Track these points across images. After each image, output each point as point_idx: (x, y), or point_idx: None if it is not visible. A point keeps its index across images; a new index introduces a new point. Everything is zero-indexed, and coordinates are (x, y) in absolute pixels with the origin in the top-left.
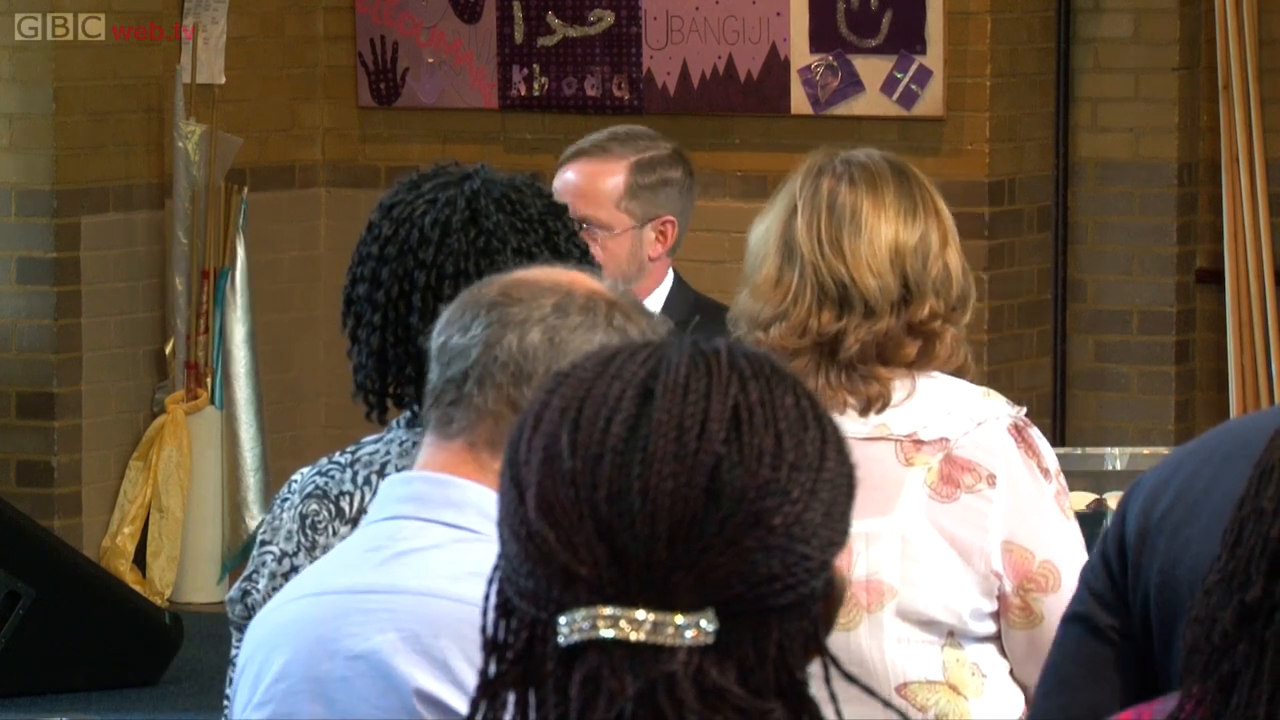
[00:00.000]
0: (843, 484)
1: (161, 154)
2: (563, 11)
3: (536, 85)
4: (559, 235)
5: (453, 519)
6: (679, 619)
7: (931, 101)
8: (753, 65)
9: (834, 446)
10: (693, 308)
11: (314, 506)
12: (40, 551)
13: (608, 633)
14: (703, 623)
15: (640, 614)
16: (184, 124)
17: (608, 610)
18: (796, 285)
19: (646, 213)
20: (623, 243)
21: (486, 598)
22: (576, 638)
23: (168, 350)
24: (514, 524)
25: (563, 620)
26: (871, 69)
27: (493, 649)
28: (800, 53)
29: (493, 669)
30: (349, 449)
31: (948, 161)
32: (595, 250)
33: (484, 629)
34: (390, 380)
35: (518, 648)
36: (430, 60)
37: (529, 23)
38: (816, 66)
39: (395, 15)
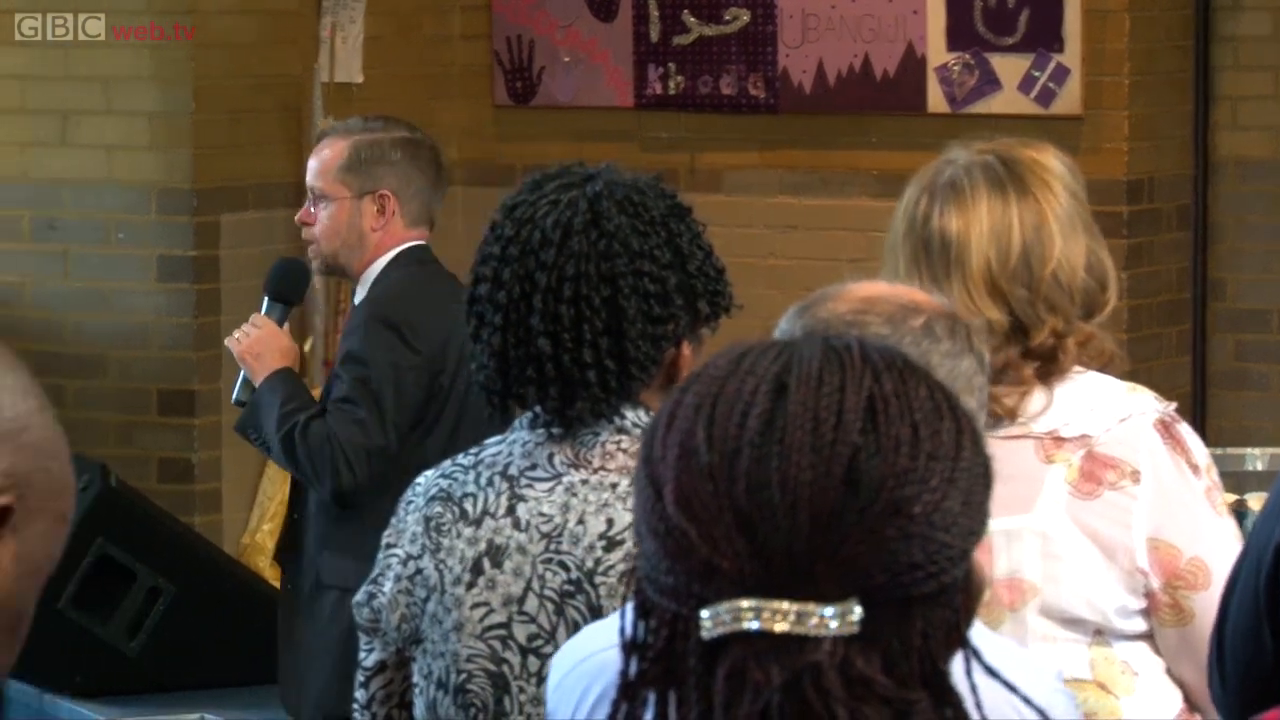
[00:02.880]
0: (980, 473)
1: (300, 152)
2: (699, 10)
3: (672, 84)
4: (681, 237)
5: None
6: (826, 609)
7: (1069, 100)
8: (889, 64)
9: (969, 437)
10: (385, 272)
11: (438, 509)
12: (181, 548)
13: (752, 625)
14: (849, 612)
15: (785, 605)
16: (322, 122)
17: (751, 602)
18: None
19: (363, 185)
20: (340, 211)
21: (624, 598)
22: (720, 631)
23: (306, 348)
24: (652, 521)
25: (705, 614)
26: (1009, 67)
27: (632, 649)
28: (937, 51)
29: (633, 669)
30: (472, 450)
31: (1086, 160)
32: (316, 221)
33: (622, 630)
34: (511, 380)
35: (658, 646)
36: (566, 59)
37: (665, 21)
38: (953, 65)
39: (531, 14)
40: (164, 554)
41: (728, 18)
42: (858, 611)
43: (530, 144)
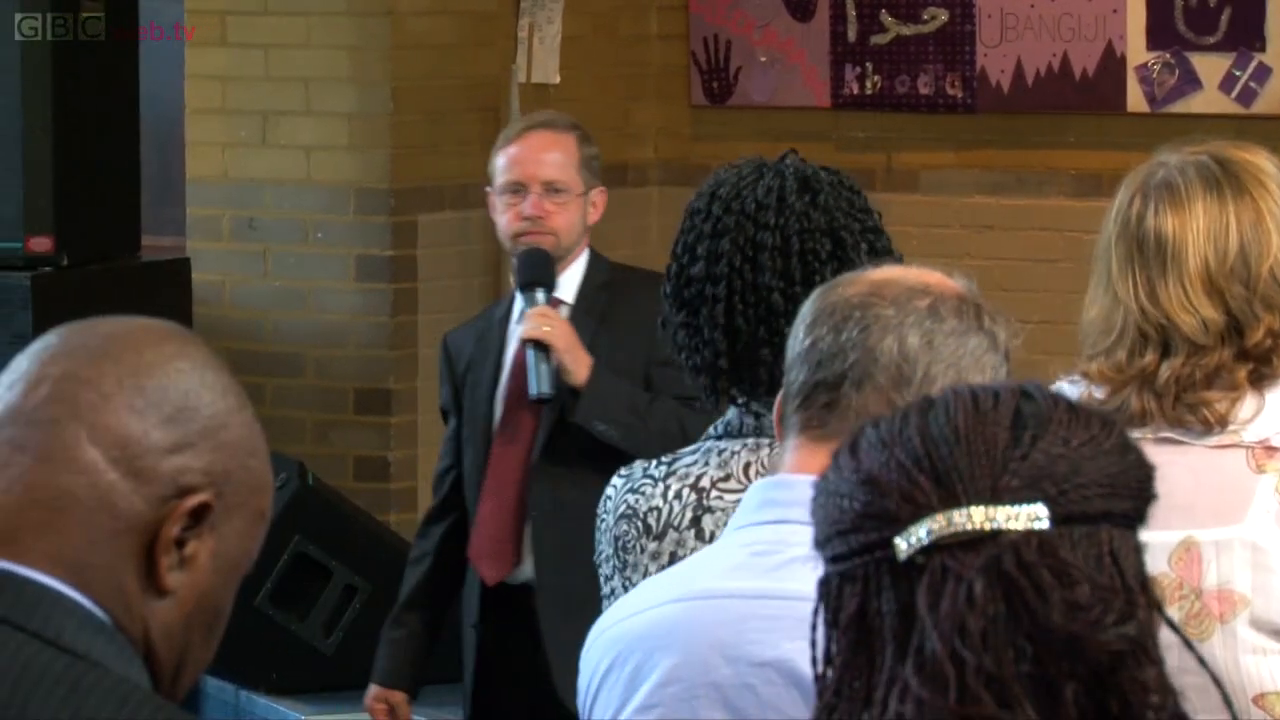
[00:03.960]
0: (1134, 446)
1: None
2: (896, 9)
3: (869, 84)
4: (871, 216)
5: None
6: (1014, 506)
7: (1271, 99)
8: (1088, 63)
9: (1114, 424)
10: (609, 270)
11: (624, 527)
12: (377, 546)
13: (945, 531)
14: (1036, 511)
15: (974, 509)
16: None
17: (942, 514)
18: (1120, 327)
19: (589, 182)
20: (576, 206)
21: (816, 608)
22: (915, 547)
23: None
24: (834, 501)
25: (898, 539)
26: (1209, 66)
27: (827, 662)
28: (1137, 50)
29: (831, 679)
30: (665, 460)
31: None
32: (555, 214)
33: (814, 660)
34: (740, 353)
35: (850, 611)
36: (763, 59)
37: (862, 21)
38: (1153, 64)
39: (728, 14)
40: (360, 552)
41: (925, 17)
42: (1044, 511)
43: (726, 144)
